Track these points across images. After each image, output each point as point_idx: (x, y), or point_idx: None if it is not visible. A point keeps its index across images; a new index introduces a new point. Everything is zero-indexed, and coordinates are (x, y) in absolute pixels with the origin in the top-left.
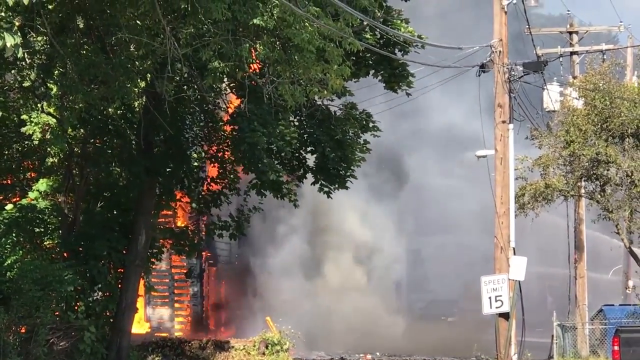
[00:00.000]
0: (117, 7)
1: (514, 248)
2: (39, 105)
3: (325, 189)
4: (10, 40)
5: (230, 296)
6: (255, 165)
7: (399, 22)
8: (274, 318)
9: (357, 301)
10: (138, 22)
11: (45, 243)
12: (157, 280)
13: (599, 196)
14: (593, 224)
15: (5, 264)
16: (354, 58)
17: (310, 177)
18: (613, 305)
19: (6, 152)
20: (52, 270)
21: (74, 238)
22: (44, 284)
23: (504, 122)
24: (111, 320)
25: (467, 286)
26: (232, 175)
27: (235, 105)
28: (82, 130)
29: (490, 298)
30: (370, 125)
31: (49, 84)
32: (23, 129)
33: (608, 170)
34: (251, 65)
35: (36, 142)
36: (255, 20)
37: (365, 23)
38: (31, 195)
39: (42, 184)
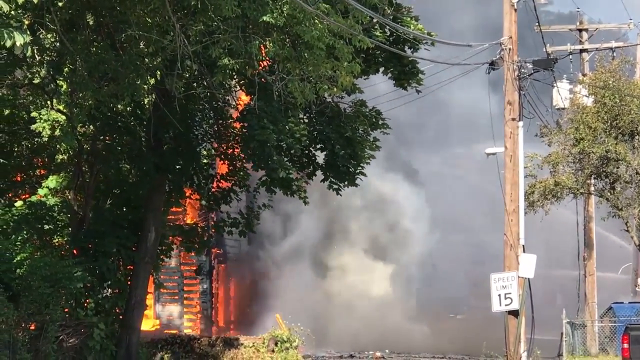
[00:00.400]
0: (127, 4)
1: (523, 245)
2: (48, 102)
3: (335, 186)
4: (19, 39)
5: (239, 293)
6: (265, 163)
7: (408, 19)
8: (283, 315)
9: (367, 299)
10: (148, 19)
11: (54, 240)
12: (167, 278)
13: (609, 194)
14: (603, 221)
15: (15, 261)
16: (364, 55)
17: (319, 175)
18: (622, 303)
19: (16, 149)
20: (62, 267)
21: (83, 235)
22: (54, 281)
23: (513, 119)
24: (120, 317)
25: (476, 283)
26: (241, 172)
27: (244, 103)
28: (91, 127)
29: (499, 295)
30: (380, 122)
31: (58, 81)
32: (33, 126)
33: (618, 167)
34: (261, 62)
35: (46, 139)
36: (265, 17)
37: (375, 20)
38: (41, 192)
39: (52, 181)
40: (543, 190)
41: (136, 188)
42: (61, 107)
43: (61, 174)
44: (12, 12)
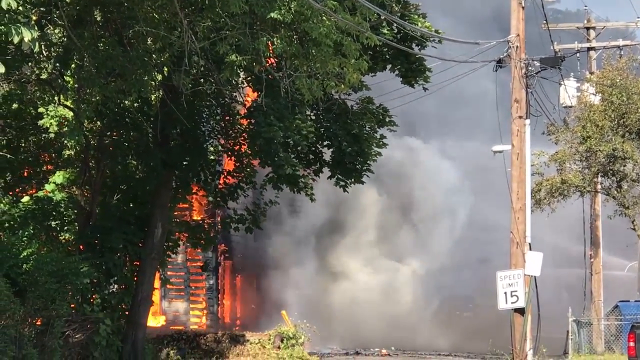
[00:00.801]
0: (135, 0)
1: (529, 243)
2: (56, 98)
3: (342, 183)
4: (27, 35)
5: (245, 289)
6: (271, 159)
7: (416, 16)
8: (289, 312)
9: (374, 296)
10: (155, 15)
11: (61, 236)
12: (173, 274)
13: (616, 192)
14: (609, 219)
15: (22, 256)
16: (371, 52)
17: (326, 171)
18: (629, 301)
19: (23, 145)
20: (68, 262)
21: (90, 230)
22: (60, 277)
23: (520, 117)
24: (127, 313)
25: (482, 281)
26: (248, 169)
27: (252, 99)
28: (98, 123)
29: (505, 293)
30: (387, 119)
31: (66, 77)
32: (40, 122)
33: (624, 166)
34: (268, 59)
35: (53, 135)
36: (272, 14)
37: (382, 17)
38: (48, 187)
39: (59, 177)
40: (550, 188)
41: (143, 184)
42: (68, 103)
43: (68, 170)
44: (20, 8)
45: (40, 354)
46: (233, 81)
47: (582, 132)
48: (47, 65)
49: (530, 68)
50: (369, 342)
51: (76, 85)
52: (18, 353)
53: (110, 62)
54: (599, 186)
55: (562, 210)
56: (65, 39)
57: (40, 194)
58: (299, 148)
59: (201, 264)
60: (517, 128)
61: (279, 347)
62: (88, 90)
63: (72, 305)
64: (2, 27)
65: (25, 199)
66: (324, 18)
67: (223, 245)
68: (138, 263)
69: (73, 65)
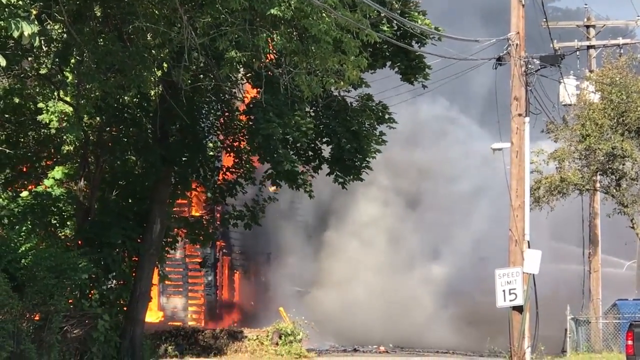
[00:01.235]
0: None
1: (528, 241)
2: (55, 93)
3: (340, 180)
4: (27, 30)
5: (243, 286)
6: (270, 156)
7: (416, 14)
8: (288, 309)
9: (371, 293)
10: (155, 10)
11: (60, 231)
12: (171, 269)
13: (615, 190)
14: (608, 218)
15: (20, 251)
16: (371, 49)
17: (325, 168)
18: (627, 299)
19: (22, 140)
20: (67, 258)
21: (88, 226)
22: (59, 272)
23: (520, 115)
24: (125, 308)
25: (481, 279)
26: (247, 165)
27: (251, 96)
28: (98, 119)
29: (504, 291)
30: (386, 116)
31: (65, 72)
32: (39, 117)
33: (624, 164)
34: (268, 55)
35: (52, 130)
36: (272, 10)
37: (382, 14)
38: (46, 182)
39: (58, 172)
40: (549, 186)
41: (142, 180)
42: (68, 98)
43: (67, 165)
44: (20, 2)
45: (39, 349)
46: (232, 77)
47: (582, 130)
48: (46, 61)
49: (530, 66)
50: (367, 340)
51: (76, 81)
52: (16, 348)
53: (110, 57)
54: (598, 184)
55: (561, 208)
56: (65, 34)
57: (39, 189)
58: (298, 145)
59: (200, 260)
60: (516, 126)
61: (277, 344)
62: (87, 86)
63: (71, 301)
64: (2, 21)
65: (24, 194)
66: (324, 15)
67: (221, 241)
68: (136, 259)
69: (73, 61)
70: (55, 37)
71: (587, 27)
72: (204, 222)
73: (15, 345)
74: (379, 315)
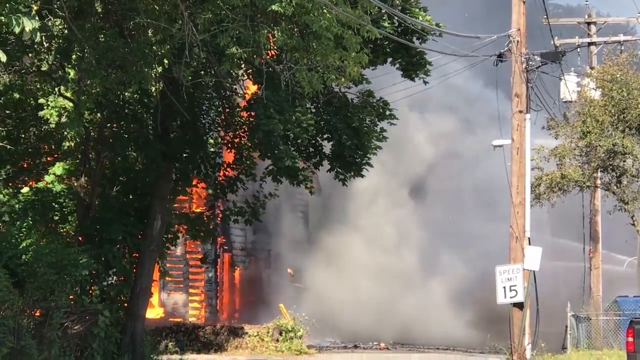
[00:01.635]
0: None
1: (529, 238)
2: (56, 89)
3: (341, 177)
4: (28, 25)
5: (244, 282)
6: (271, 152)
7: (417, 10)
8: (288, 305)
9: (372, 289)
10: (156, 6)
11: (61, 227)
12: (172, 266)
13: (615, 187)
14: (609, 215)
15: (21, 247)
16: (372, 46)
17: (326, 164)
18: (627, 296)
19: (23, 136)
20: (67, 254)
21: (89, 222)
22: (59, 268)
23: (520, 111)
24: (125, 304)
25: (482, 275)
26: (248, 161)
27: (252, 92)
28: (98, 115)
29: (504, 288)
30: (387, 113)
31: (66, 68)
32: (40, 113)
33: (624, 161)
34: (269, 51)
35: (53, 126)
36: (273, 7)
37: (383, 11)
38: (47, 178)
39: (59, 168)
40: (549, 182)
41: (143, 176)
42: (69, 94)
43: (68, 161)
44: None
45: (39, 345)
46: (233, 73)
47: (582, 127)
48: (47, 57)
49: (530, 62)
50: (367, 336)
51: (77, 77)
52: (17, 344)
53: (111, 53)
54: (598, 181)
55: (562, 205)
56: (66, 30)
57: (40, 185)
58: (298, 141)
59: (200, 256)
60: (517, 122)
61: (277, 340)
62: (88, 82)
63: (71, 297)
64: (3, 17)
65: (25, 190)
66: (325, 11)
67: (222, 237)
68: (137, 255)
69: (74, 57)
70: (56, 33)
71: (588, 24)
72: (205, 219)
73: (16, 341)
74: (380, 312)
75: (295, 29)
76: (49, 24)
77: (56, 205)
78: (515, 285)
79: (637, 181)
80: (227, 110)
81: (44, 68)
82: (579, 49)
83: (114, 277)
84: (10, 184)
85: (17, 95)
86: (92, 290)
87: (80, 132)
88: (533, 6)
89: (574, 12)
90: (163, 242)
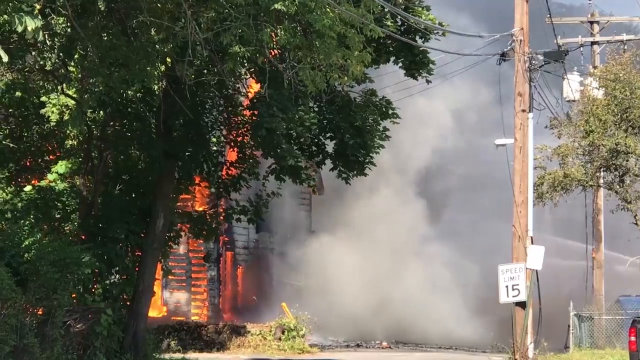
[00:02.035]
0: None
1: (531, 237)
2: (58, 87)
3: (344, 175)
4: (31, 24)
5: (246, 281)
6: (274, 151)
7: (420, 9)
8: (291, 304)
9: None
10: (159, 5)
11: (63, 226)
12: (175, 264)
13: (618, 186)
14: (611, 214)
15: (23, 246)
16: (375, 44)
17: (329, 163)
18: (630, 296)
19: (26, 134)
20: (70, 252)
21: (92, 220)
22: (62, 266)
23: (523, 110)
24: (128, 303)
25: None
26: (251, 160)
27: (255, 90)
28: (101, 113)
29: (507, 287)
30: (390, 112)
31: (69, 66)
32: (42, 111)
33: (627, 160)
34: (272, 50)
35: (54, 123)
36: (276, 5)
37: (386, 10)
38: (50, 177)
39: (61, 166)
40: (552, 182)
41: (145, 174)
42: (71, 93)
43: (70, 160)
44: None
45: (42, 343)
46: (236, 72)
47: (585, 126)
48: (50, 55)
49: (533, 62)
50: (370, 335)
51: (79, 75)
52: (19, 342)
53: (114, 52)
54: (601, 180)
55: (564, 204)
56: (69, 29)
57: (43, 183)
58: (301, 140)
59: (203, 255)
60: (520, 121)
61: (280, 339)
62: (91, 80)
63: (74, 295)
64: (6, 15)
65: (28, 188)
66: (328, 10)
67: (225, 236)
68: (140, 253)
69: (76, 55)
70: (59, 31)
71: (591, 23)
72: (208, 217)
73: (19, 339)
74: (382, 311)
75: (299, 28)
76: (52, 22)
77: (59, 204)
78: (517, 285)
79: None
80: (230, 108)
81: (47, 67)
82: (582, 48)
83: (117, 276)
84: (12, 183)
85: (19, 94)
86: (95, 289)
87: (82, 130)
88: (536, 5)
89: (577, 11)
90: (166, 240)
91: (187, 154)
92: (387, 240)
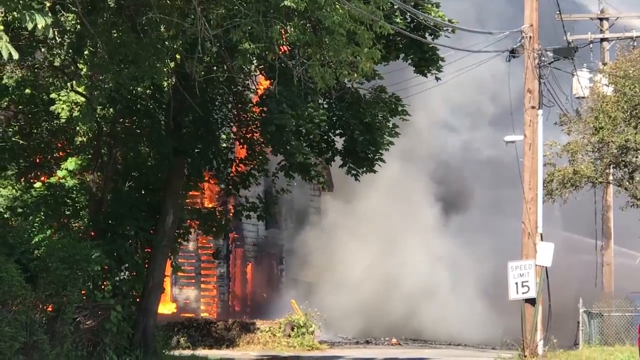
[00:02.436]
0: None
1: (541, 234)
2: (68, 84)
3: (353, 172)
4: (41, 22)
5: (256, 278)
6: (283, 147)
7: (429, 6)
8: (300, 301)
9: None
10: (169, 1)
11: (73, 222)
12: (184, 261)
13: (627, 183)
14: (621, 211)
15: (33, 242)
16: (384, 41)
17: (338, 160)
18: (639, 293)
19: (35, 131)
20: (80, 249)
21: (101, 217)
22: (72, 263)
23: (533, 107)
24: (138, 300)
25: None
26: (260, 157)
27: (264, 87)
28: (111, 110)
29: (516, 284)
30: (400, 109)
31: (79, 63)
32: (52, 107)
33: (637, 157)
34: (281, 47)
35: (63, 120)
36: (286, 2)
37: (395, 6)
38: (59, 174)
39: (71, 163)
40: (562, 178)
41: (155, 171)
42: (81, 89)
43: (80, 156)
44: None
45: (51, 340)
46: (246, 69)
47: (595, 123)
48: (60, 52)
49: (543, 58)
50: (378, 333)
51: (89, 72)
52: (29, 339)
53: (124, 48)
54: (610, 177)
55: (574, 201)
56: (79, 26)
57: (52, 180)
58: (311, 136)
59: (212, 252)
60: (529, 118)
61: (289, 336)
62: (101, 77)
63: (83, 292)
64: (16, 13)
65: (38, 185)
66: (338, 6)
67: (234, 233)
68: (149, 250)
69: (86, 52)
70: (68, 28)
71: (601, 19)
72: (217, 214)
73: (28, 336)
74: (392, 308)
75: (308, 25)
76: (62, 19)
77: (68, 201)
78: (527, 281)
79: None
80: (240, 105)
81: (57, 63)
82: (591, 45)
83: (126, 273)
84: (22, 179)
85: (29, 91)
86: (105, 286)
87: (92, 127)
88: (546, 2)
89: (587, 7)
90: (175, 237)
91: (196, 150)
92: (398, 238)
